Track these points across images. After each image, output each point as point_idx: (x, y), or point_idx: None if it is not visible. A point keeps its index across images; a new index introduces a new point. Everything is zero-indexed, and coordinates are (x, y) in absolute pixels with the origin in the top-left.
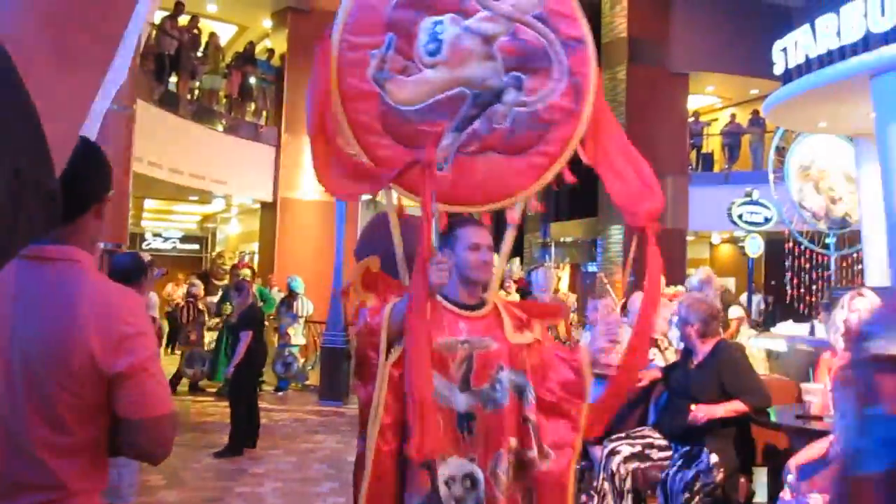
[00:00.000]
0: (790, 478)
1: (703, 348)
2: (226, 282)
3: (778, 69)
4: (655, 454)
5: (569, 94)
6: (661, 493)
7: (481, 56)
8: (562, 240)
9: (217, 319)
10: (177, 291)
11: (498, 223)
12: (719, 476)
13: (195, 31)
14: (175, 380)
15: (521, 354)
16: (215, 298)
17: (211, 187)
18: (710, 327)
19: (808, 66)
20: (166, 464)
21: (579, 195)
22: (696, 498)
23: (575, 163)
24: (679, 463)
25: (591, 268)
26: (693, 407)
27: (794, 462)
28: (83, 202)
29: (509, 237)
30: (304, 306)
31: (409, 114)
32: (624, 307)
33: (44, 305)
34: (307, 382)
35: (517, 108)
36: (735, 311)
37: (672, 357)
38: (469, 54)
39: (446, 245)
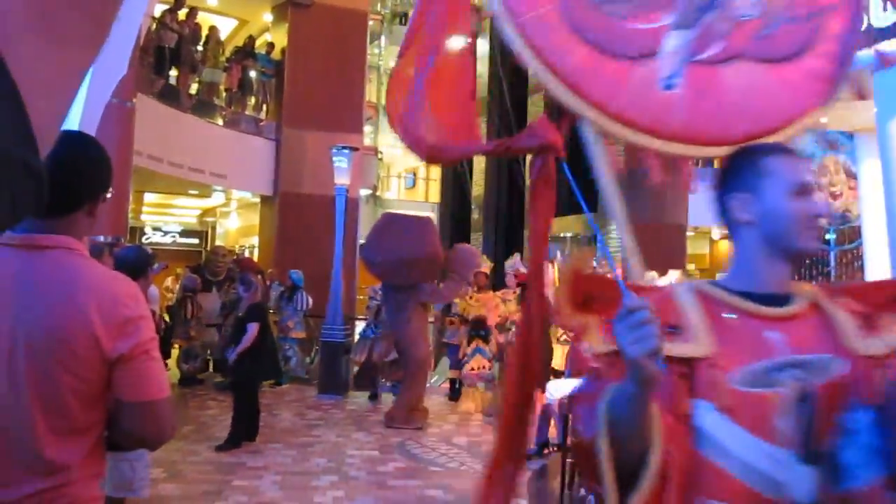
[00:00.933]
0: None
1: None
2: (220, 278)
3: None
4: None
5: None
6: None
7: None
8: (561, 234)
9: (220, 316)
10: (176, 286)
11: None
12: None
13: (195, 24)
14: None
15: (876, 377)
16: (210, 295)
17: (210, 181)
18: None
19: None
20: (166, 457)
21: (579, 190)
22: None
23: (574, 154)
24: None
25: (592, 263)
26: None
27: None
28: (78, 198)
29: None
30: (305, 300)
31: (609, 3)
32: None
33: (45, 291)
34: (306, 376)
35: None
36: None
37: None
38: None
39: (738, 188)
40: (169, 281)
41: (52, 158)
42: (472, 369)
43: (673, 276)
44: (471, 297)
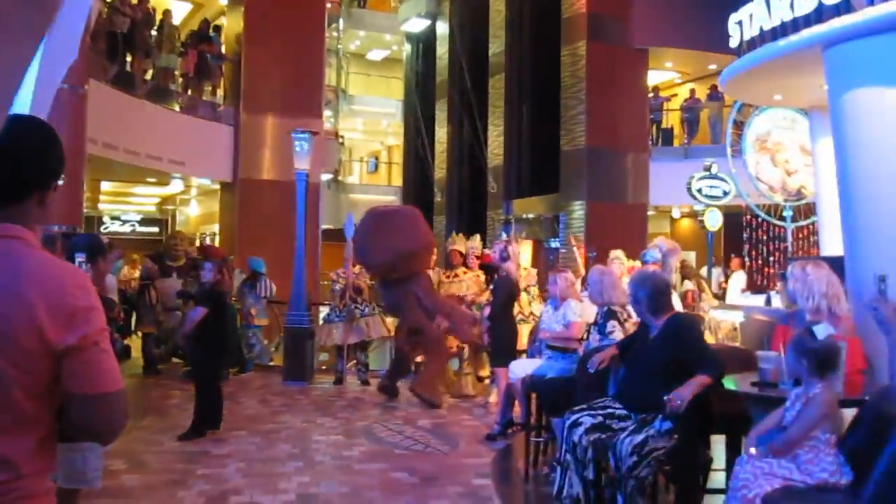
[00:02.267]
0: (752, 450)
1: (657, 322)
2: (181, 263)
3: (733, 42)
4: (616, 424)
5: None
6: (611, 457)
7: None
8: (524, 216)
9: (180, 301)
10: (133, 274)
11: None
12: (671, 442)
13: (148, 8)
14: (148, 363)
15: None
16: (169, 279)
17: (168, 168)
18: (660, 302)
19: (762, 39)
20: (128, 447)
21: (541, 171)
22: (644, 461)
23: (538, 139)
24: (632, 428)
25: (554, 244)
26: (666, 398)
27: (754, 432)
28: (27, 186)
29: None
30: (267, 287)
31: None
32: (584, 281)
33: None
34: (271, 363)
35: None
36: (688, 284)
37: (632, 329)
38: None
39: None
40: (126, 269)
41: None
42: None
43: (664, 243)
44: (447, 276)
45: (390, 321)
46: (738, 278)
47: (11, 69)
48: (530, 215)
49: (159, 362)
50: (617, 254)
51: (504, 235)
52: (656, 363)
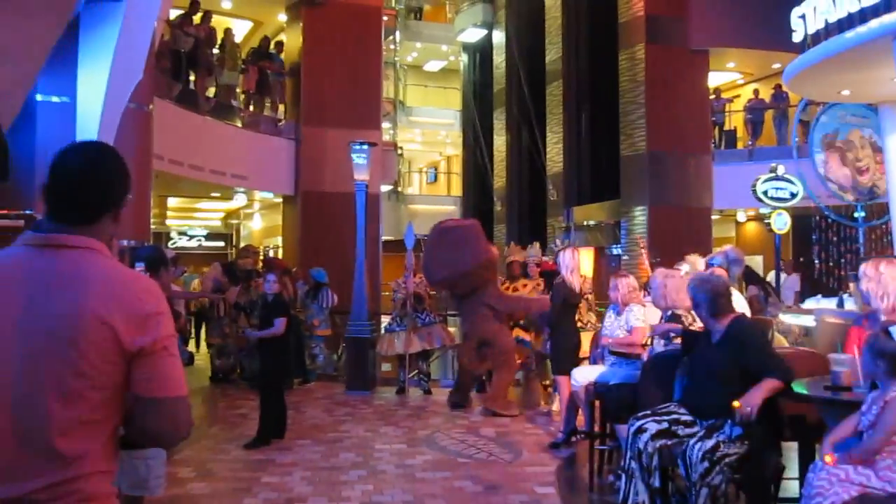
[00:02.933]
0: (827, 458)
1: (719, 326)
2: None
3: (797, 37)
4: (682, 430)
5: None
6: (681, 464)
7: None
8: (585, 223)
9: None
10: (202, 287)
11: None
12: (743, 448)
13: (210, 28)
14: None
15: None
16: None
17: (232, 183)
18: (720, 305)
19: (827, 32)
20: (195, 456)
21: (601, 178)
22: (717, 468)
23: (598, 145)
24: (701, 434)
25: (616, 250)
26: (735, 404)
27: (830, 439)
28: (102, 206)
29: None
30: (329, 297)
31: None
32: (646, 286)
33: (64, 285)
34: (335, 374)
35: None
36: (752, 289)
37: None
38: None
39: None
40: (196, 282)
41: (70, 170)
42: None
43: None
44: (507, 288)
45: (452, 330)
46: (793, 282)
47: (32, 50)
48: (591, 222)
49: (225, 373)
50: (693, 258)
51: (559, 243)
52: (720, 368)
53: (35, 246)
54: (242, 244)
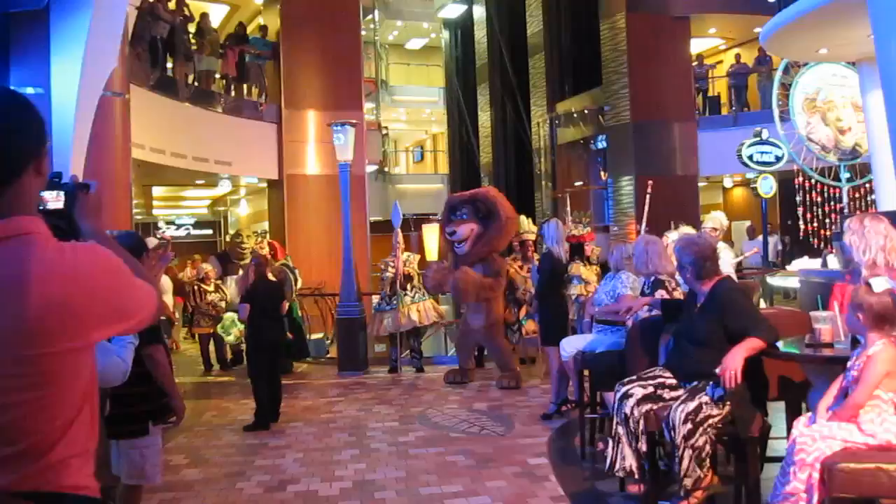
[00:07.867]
0: (820, 420)
1: (703, 289)
2: (246, 261)
3: None
4: (667, 394)
5: None
6: (665, 427)
7: None
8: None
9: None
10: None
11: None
12: (726, 409)
13: (186, 12)
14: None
15: None
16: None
17: (215, 169)
18: (705, 268)
19: None
20: (188, 443)
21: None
22: (700, 429)
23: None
24: (684, 396)
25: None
26: (717, 371)
27: (823, 404)
28: (20, 161)
29: None
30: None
31: None
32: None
33: (8, 291)
34: (328, 356)
35: None
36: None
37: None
38: None
39: None
40: (188, 271)
41: None
42: (527, 333)
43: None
44: (521, 266)
45: (442, 308)
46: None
47: None
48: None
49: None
50: (686, 229)
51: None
52: (704, 330)
53: None
54: (231, 231)
